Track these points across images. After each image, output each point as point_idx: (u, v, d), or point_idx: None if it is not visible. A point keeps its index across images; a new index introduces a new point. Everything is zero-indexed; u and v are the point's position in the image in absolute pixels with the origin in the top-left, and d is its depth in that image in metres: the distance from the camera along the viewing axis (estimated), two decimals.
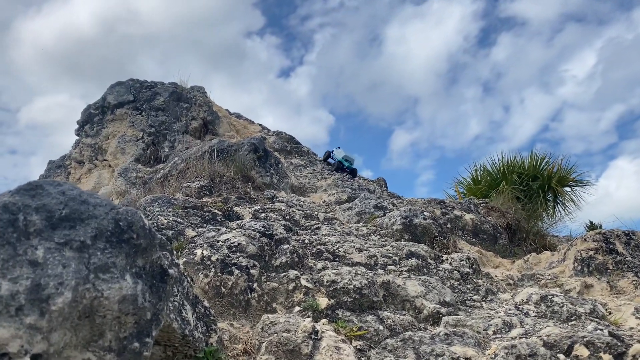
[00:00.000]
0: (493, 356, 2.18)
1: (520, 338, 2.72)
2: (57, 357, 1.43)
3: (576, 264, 4.56)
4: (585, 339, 2.15)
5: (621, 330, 2.86)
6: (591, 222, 10.47)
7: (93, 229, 1.51)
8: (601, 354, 2.02)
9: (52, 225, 1.46)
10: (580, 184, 10.62)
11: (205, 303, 2.51)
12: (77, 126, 10.37)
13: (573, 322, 3.08)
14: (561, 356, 2.09)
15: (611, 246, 4.56)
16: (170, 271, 1.78)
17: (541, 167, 10.59)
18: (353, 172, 9.22)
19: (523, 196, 9.69)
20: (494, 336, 2.99)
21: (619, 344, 2.08)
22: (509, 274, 4.95)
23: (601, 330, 2.33)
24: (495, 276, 4.80)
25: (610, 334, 2.31)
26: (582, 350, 2.08)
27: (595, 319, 3.07)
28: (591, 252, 4.54)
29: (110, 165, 9.52)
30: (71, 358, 1.48)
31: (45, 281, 1.37)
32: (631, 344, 2.06)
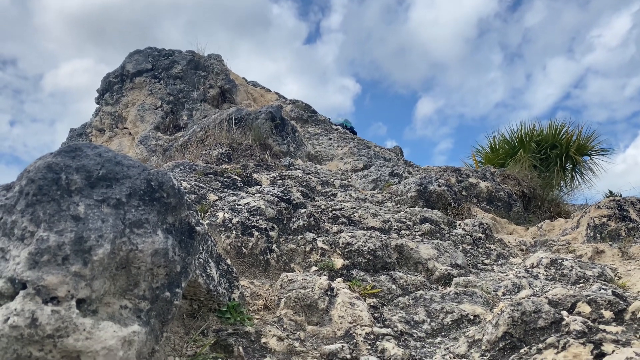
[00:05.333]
0: (500, 312, 2.30)
1: (528, 298, 2.83)
2: (99, 302, 1.59)
3: (589, 231, 4.61)
4: (588, 297, 2.25)
5: (627, 293, 2.96)
6: (610, 192, 10.41)
7: (127, 188, 1.64)
8: (602, 311, 2.13)
9: (91, 184, 1.59)
10: (600, 153, 10.53)
11: (228, 261, 2.67)
12: (97, 94, 10.55)
13: (581, 285, 3.18)
14: (564, 313, 2.20)
15: (624, 213, 4.60)
16: (198, 228, 1.92)
17: (560, 135, 10.49)
18: (354, 131, 11.31)
19: (540, 164, 9.67)
20: (503, 297, 3.12)
21: (621, 302, 2.18)
22: (522, 240, 5.03)
23: (605, 290, 2.43)
24: (508, 242, 4.89)
25: (614, 293, 2.41)
26: (584, 307, 2.19)
27: (604, 282, 3.17)
28: (604, 219, 4.59)
29: (130, 133, 9.72)
30: (110, 304, 1.63)
31: (87, 234, 1.51)
32: (632, 303, 2.16)
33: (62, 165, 1.57)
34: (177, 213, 1.80)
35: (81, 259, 1.50)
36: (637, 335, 1.90)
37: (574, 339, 1.87)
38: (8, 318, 1.41)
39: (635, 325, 1.99)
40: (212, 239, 2.68)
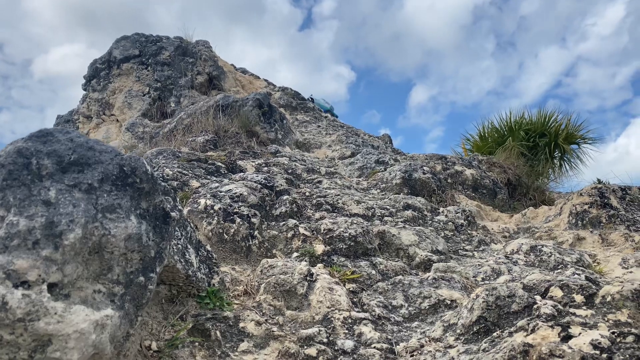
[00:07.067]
0: (475, 297, 2.34)
1: (505, 284, 2.87)
2: (71, 287, 1.60)
3: (571, 218, 4.67)
4: (561, 282, 2.30)
5: (603, 278, 3.01)
6: (599, 180, 10.50)
7: (99, 173, 1.64)
8: (574, 295, 2.17)
9: (62, 169, 1.59)
10: (589, 142, 10.60)
11: (208, 247, 2.68)
12: (84, 81, 10.43)
13: (559, 271, 3.24)
14: (537, 297, 2.25)
15: (606, 200, 4.66)
16: (173, 214, 1.92)
17: (549, 124, 10.55)
18: (336, 116, 12.12)
19: (529, 153, 9.73)
20: (482, 282, 3.16)
21: (593, 286, 2.22)
22: (506, 227, 5.09)
23: (578, 275, 2.47)
24: (492, 229, 4.94)
25: (587, 278, 2.45)
26: (556, 292, 2.23)
27: (581, 268, 3.22)
28: (586, 206, 4.65)
29: (117, 120, 9.65)
30: (84, 288, 1.64)
31: (58, 219, 1.51)
32: (603, 287, 2.20)
33: (33, 150, 1.57)
34: (150, 198, 1.81)
35: (52, 244, 1.50)
36: (605, 318, 1.95)
37: (543, 322, 1.91)
38: None
39: (605, 309, 2.03)
40: (192, 225, 2.69)
